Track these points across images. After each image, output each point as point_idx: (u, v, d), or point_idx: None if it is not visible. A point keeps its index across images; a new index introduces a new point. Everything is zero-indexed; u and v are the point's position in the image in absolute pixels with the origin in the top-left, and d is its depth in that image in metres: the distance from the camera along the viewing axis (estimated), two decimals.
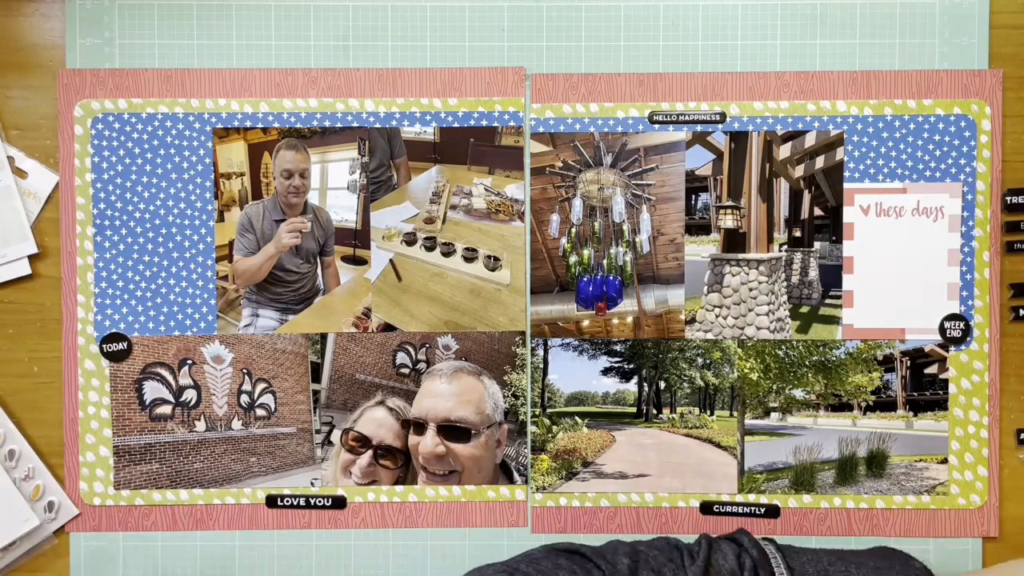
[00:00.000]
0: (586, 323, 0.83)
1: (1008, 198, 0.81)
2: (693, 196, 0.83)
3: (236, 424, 0.83)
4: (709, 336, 0.83)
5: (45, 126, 0.83)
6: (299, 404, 0.84)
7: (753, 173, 0.83)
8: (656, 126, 0.82)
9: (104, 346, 0.82)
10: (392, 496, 0.83)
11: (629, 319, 0.83)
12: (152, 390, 0.83)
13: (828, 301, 0.82)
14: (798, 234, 0.83)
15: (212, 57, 0.82)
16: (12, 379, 0.83)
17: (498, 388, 0.83)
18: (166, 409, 0.83)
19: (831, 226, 0.82)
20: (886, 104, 0.81)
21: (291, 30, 0.82)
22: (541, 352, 0.83)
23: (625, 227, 0.83)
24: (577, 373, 0.83)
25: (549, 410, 0.83)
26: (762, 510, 0.82)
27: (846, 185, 0.82)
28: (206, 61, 0.82)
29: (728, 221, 0.83)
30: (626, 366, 0.83)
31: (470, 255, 0.83)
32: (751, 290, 0.83)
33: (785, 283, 0.83)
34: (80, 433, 0.82)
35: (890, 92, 0.81)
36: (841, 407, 0.83)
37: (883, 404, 0.83)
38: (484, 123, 0.82)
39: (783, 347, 0.83)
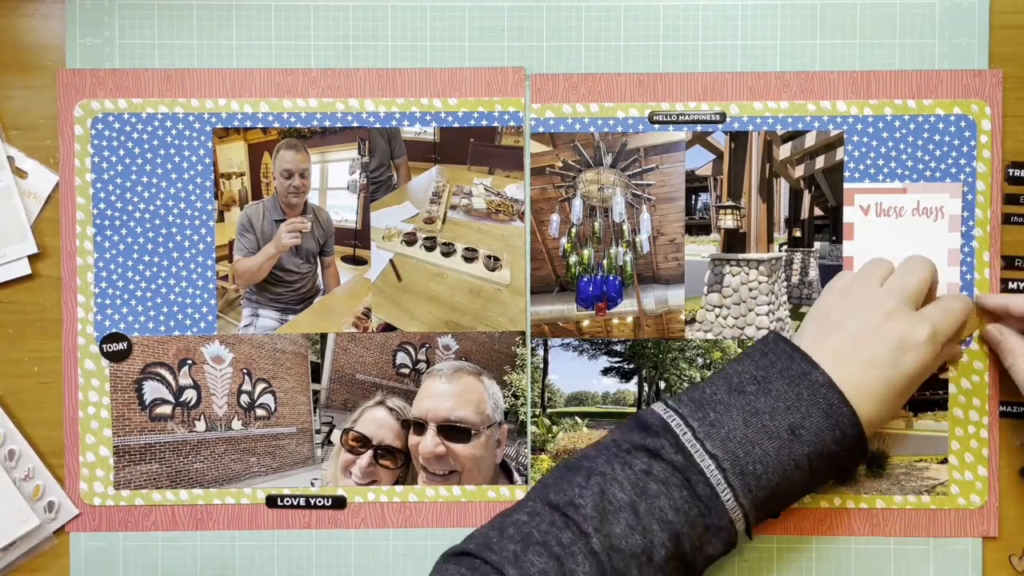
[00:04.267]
0: (586, 323, 0.83)
1: (1011, 173, 0.81)
2: (693, 196, 0.83)
3: (236, 424, 0.83)
4: (709, 336, 0.83)
5: (45, 126, 0.82)
6: (299, 404, 0.84)
7: (753, 173, 0.83)
8: (656, 126, 0.82)
9: (104, 346, 0.82)
10: (392, 496, 0.83)
11: (629, 319, 0.83)
12: (152, 390, 0.83)
13: None
14: (798, 234, 0.83)
15: (212, 57, 0.82)
16: (12, 379, 0.83)
17: (498, 388, 0.83)
18: (166, 409, 0.83)
19: (831, 226, 0.82)
20: (886, 104, 0.81)
21: (291, 30, 0.82)
22: (541, 352, 0.83)
23: (625, 227, 0.83)
24: (577, 373, 0.83)
25: (549, 410, 0.83)
26: None
27: (846, 185, 0.82)
28: (206, 61, 0.82)
29: (728, 221, 0.83)
30: (626, 366, 0.83)
31: (470, 255, 0.83)
32: (751, 290, 0.83)
33: (785, 283, 0.83)
34: (80, 433, 0.82)
35: (890, 92, 0.81)
36: None
37: None
38: (484, 123, 0.82)
39: None
